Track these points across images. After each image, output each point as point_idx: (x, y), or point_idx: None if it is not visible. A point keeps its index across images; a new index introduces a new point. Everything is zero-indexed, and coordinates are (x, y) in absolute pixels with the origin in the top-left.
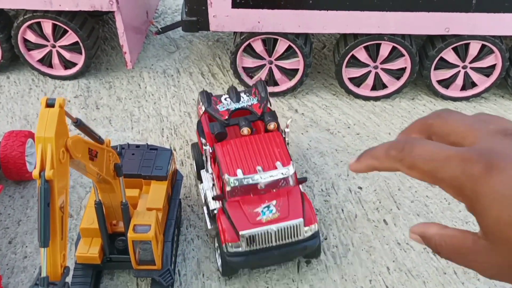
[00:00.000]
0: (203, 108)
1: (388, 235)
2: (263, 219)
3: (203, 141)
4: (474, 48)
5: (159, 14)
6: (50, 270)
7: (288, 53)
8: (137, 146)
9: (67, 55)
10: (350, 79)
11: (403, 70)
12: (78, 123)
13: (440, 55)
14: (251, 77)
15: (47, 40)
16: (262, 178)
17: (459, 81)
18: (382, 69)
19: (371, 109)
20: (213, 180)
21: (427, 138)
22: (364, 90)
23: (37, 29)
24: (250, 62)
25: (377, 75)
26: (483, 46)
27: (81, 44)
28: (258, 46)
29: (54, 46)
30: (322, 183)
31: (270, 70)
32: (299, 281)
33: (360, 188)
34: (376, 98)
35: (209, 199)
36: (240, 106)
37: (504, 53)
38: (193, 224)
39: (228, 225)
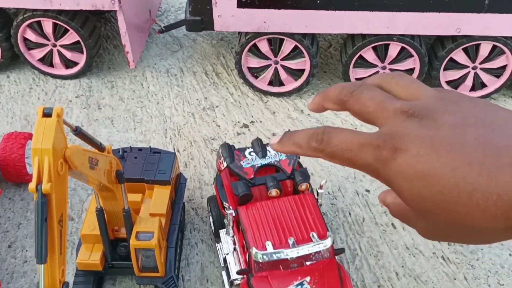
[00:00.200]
0: (225, 164)
1: (396, 239)
2: None
3: (226, 205)
4: (485, 48)
5: (162, 12)
6: (48, 287)
7: (294, 53)
8: (140, 149)
9: (68, 54)
10: (357, 80)
11: (411, 70)
12: (78, 131)
13: (450, 55)
14: (256, 77)
15: (48, 39)
16: (295, 252)
17: (469, 82)
18: (390, 69)
19: None
20: (234, 243)
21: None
22: None
23: (37, 28)
24: (255, 62)
25: None
26: (494, 47)
27: (82, 43)
28: (264, 46)
29: (55, 45)
30: (328, 186)
31: (276, 70)
32: None
33: (368, 191)
34: None
35: (230, 265)
36: (266, 163)
37: None
38: (197, 227)
39: None
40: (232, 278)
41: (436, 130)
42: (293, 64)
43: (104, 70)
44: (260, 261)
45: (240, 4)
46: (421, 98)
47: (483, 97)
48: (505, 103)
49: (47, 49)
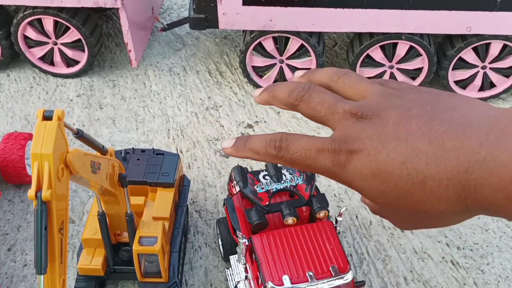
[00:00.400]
0: (237, 188)
1: (404, 243)
2: None
3: (239, 234)
4: (495, 48)
5: (165, 9)
6: None
7: (300, 52)
8: (143, 150)
9: (69, 52)
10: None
11: (419, 70)
12: (79, 135)
13: (459, 55)
14: (261, 77)
15: (49, 37)
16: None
17: (478, 81)
18: (398, 69)
19: None
20: (246, 271)
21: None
22: None
23: (38, 26)
24: (260, 61)
25: (392, 75)
26: (504, 46)
27: (84, 41)
28: (269, 45)
29: (55, 44)
30: (334, 188)
31: (281, 69)
32: None
33: None
34: None
35: None
36: (282, 187)
37: None
38: (201, 230)
39: None
40: None
41: (383, 127)
42: (298, 63)
43: (106, 68)
44: None
45: (246, 2)
46: (368, 96)
47: (492, 97)
48: None
49: (47, 47)
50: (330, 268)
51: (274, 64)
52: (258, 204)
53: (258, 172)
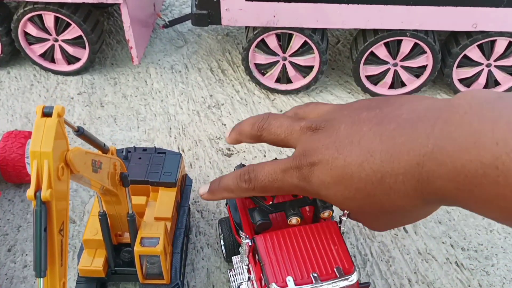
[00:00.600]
0: None
1: (408, 244)
2: None
3: (242, 234)
4: (501, 45)
5: (166, 6)
6: None
7: (303, 49)
8: (144, 149)
9: (70, 49)
10: (368, 77)
11: (423, 68)
12: (80, 132)
13: (464, 52)
14: (263, 74)
15: (49, 34)
16: None
17: (482, 79)
18: (402, 66)
19: None
20: (249, 272)
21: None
22: (382, 88)
23: (39, 22)
24: (263, 59)
25: (396, 73)
26: (509, 43)
27: (85, 38)
28: (272, 42)
29: (56, 40)
30: None
31: (284, 67)
32: None
33: None
34: None
35: None
36: None
37: None
38: (203, 231)
39: None
40: None
41: (336, 134)
42: (301, 60)
43: (107, 66)
44: None
45: None
46: (323, 114)
47: None
48: None
49: (48, 44)
50: (335, 269)
51: (277, 62)
52: (261, 203)
53: None
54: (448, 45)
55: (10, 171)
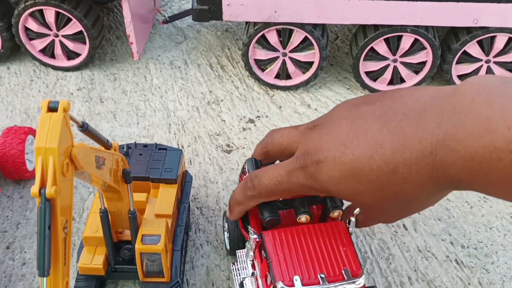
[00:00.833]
0: None
1: (408, 241)
2: None
3: (251, 229)
4: (501, 41)
5: (166, 1)
6: None
7: (304, 45)
8: (145, 145)
9: (70, 45)
10: (367, 73)
11: (423, 64)
12: (85, 128)
13: (464, 48)
14: (263, 70)
15: (50, 29)
16: None
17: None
18: (402, 62)
19: None
20: (253, 267)
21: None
22: (381, 84)
23: (39, 17)
24: (263, 54)
25: (395, 69)
26: (509, 40)
27: (85, 33)
28: (273, 37)
29: (57, 36)
30: None
31: (284, 62)
32: None
33: None
34: None
35: None
36: None
37: None
38: (202, 228)
39: None
40: None
41: (338, 129)
42: (301, 56)
43: (107, 61)
44: None
45: None
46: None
47: None
48: None
49: (48, 39)
50: (343, 271)
51: (277, 58)
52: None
53: None
54: (447, 41)
55: (10, 168)
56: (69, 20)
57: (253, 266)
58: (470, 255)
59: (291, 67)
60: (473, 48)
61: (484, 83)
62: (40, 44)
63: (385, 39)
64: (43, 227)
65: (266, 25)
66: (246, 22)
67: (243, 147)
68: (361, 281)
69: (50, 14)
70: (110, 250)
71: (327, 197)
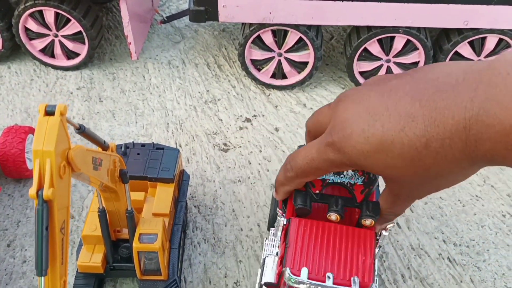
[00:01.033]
0: None
1: (401, 239)
2: None
3: (279, 212)
4: (491, 42)
5: (164, 1)
6: None
7: (299, 46)
8: (143, 145)
9: (69, 45)
10: (361, 73)
11: (416, 64)
12: (82, 130)
13: (455, 49)
14: (259, 70)
15: (49, 29)
16: None
17: None
18: (395, 62)
19: None
20: (278, 247)
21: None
22: None
23: (39, 17)
24: (259, 54)
25: (389, 69)
26: (499, 40)
27: (84, 33)
28: (268, 38)
29: (56, 36)
30: None
31: (279, 62)
32: None
33: None
34: None
35: (266, 269)
36: (339, 181)
37: None
38: (200, 226)
39: None
40: (262, 282)
41: (367, 101)
42: (296, 56)
43: (106, 61)
44: (291, 284)
45: None
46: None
47: None
48: None
49: (48, 39)
50: (353, 278)
51: (273, 58)
52: (308, 189)
53: None
54: (439, 41)
55: (10, 166)
56: (69, 20)
57: (278, 247)
58: (462, 253)
59: (286, 67)
60: (464, 49)
61: None
62: (40, 44)
63: (378, 40)
64: (40, 228)
65: (261, 26)
66: (242, 23)
67: (240, 146)
68: None
69: (49, 14)
70: (108, 248)
71: (364, 203)
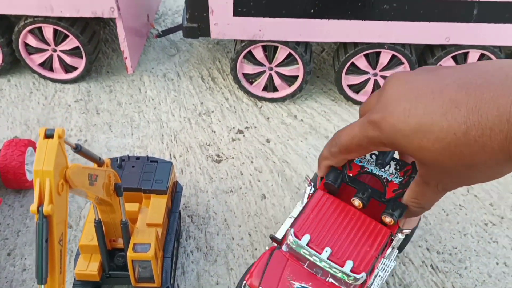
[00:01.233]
0: None
1: None
2: None
3: (307, 178)
4: (473, 56)
5: (160, 15)
6: None
7: (288, 60)
8: (137, 158)
9: (67, 59)
10: (349, 86)
11: None
12: (78, 149)
13: (439, 63)
14: (251, 83)
15: (48, 45)
16: (321, 262)
17: None
18: (382, 76)
19: None
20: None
21: None
22: (363, 96)
23: (38, 33)
24: (250, 69)
25: (376, 82)
26: (481, 55)
27: (82, 49)
28: (259, 53)
29: (55, 51)
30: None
31: (270, 76)
32: None
33: None
34: None
35: (283, 226)
36: (377, 173)
37: None
38: (192, 235)
39: (260, 268)
40: (275, 235)
41: (413, 84)
42: (286, 70)
43: (103, 74)
44: (289, 244)
45: (236, 13)
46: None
47: None
48: None
49: (47, 54)
50: (348, 261)
51: (264, 72)
52: (345, 171)
53: None
54: (424, 56)
55: (11, 178)
56: (67, 36)
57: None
58: (445, 260)
59: (277, 81)
60: (448, 63)
61: None
62: (39, 58)
63: (365, 55)
64: (41, 240)
65: (252, 42)
66: (234, 39)
67: (232, 157)
68: (359, 278)
69: (48, 31)
70: (104, 257)
71: (391, 201)
